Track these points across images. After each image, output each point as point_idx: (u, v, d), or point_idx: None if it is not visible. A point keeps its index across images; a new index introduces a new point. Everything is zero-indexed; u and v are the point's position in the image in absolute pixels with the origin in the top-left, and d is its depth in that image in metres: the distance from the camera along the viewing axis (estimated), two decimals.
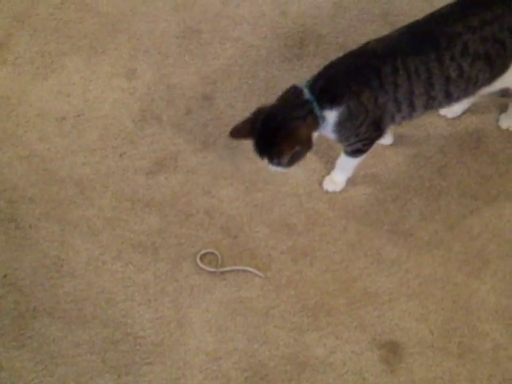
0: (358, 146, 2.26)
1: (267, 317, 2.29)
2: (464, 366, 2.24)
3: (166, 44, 2.71)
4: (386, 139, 2.51)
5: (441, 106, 2.26)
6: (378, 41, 2.18)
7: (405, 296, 2.33)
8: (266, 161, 2.18)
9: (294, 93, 2.16)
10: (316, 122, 2.15)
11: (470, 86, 2.22)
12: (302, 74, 2.61)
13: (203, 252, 2.36)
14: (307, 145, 2.17)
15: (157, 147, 2.53)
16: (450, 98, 2.22)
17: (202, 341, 2.26)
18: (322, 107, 2.13)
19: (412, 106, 2.19)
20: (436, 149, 2.55)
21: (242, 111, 2.58)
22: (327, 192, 2.46)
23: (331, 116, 2.14)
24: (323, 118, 2.14)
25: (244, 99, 2.61)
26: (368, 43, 2.19)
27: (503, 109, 2.57)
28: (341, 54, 2.21)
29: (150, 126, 2.57)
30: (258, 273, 2.34)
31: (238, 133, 2.20)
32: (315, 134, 2.17)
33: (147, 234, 2.40)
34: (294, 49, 2.70)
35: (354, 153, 2.31)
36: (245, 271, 2.34)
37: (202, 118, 2.59)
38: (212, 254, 2.37)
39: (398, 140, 2.53)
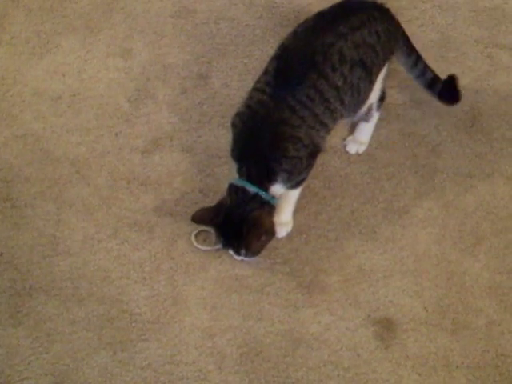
0: (304, 176, 2.27)
1: (262, 294, 2.31)
2: (458, 341, 2.25)
3: (162, 24, 2.71)
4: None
5: (344, 115, 2.27)
6: (260, 93, 2.19)
7: (399, 273, 2.34)
8: (231, 252, 2.23)
9: (237, 192, 2.19)
10: (272, 207, 2.21)
11: (355, 93, 2.23)
12: None
13: (198, 230, 2.37)
14: (271, 232, 2.22)
15: (152, 126, 2.54)
16: (345, 106, 2.23)
17: (197, 318, 2.27)
18: (267, 190, 2.20)
19: (324, 125, 2.20)
20: (431, 127, 2.55)
21: (237, 90, 2.59)
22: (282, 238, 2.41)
23: (278, 188, 2.21)
24: (274, 197, 2.21)
25: (239, 78, 2.61)
26: (249, 106, 2.19)
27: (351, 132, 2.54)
28: None
29: (146, 105, 2.58)
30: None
31: (199, 219, 2.25)
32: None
33: (143, 212, 2.41)
34: (289, 28, 2.65)
35: (299, 184, 2.29)
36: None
37: (197, 97, 2.59)
38: (207, 232, 2.37)
39: (394, 119, 2.53)
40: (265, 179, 2.18)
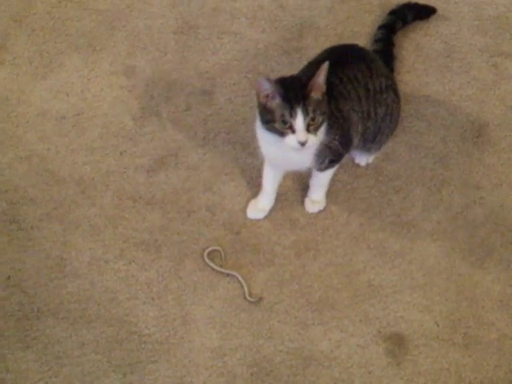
0: (331, 157, 2.24)
1: (271, 312, 2.29)
2: (470, 356, 2.23)
3: (164, 40, 2.70)
4: None
5: (369, 130, 2.29)
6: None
7: (409, 288, 2.32)
8: (299, 114, 2.05)
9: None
10: None
11: (387, 115, 2.29)
12: (301, 66, 2.57)
13: (210, 249, 2.35)
14: (325, 102, 2.11)
15: (157, 144, 2.53)
16: (376, 119, 2.27)
17: (207, 338, 2.26)
18: None
19: (359, 113, 2.23)
20: (437, 139, 2.53)
21: (242, 106, 2.58)
22: (313, 213, 2.43)
23: None
24: None
25: (243, 93, 2.60)
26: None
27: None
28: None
29: (150, 123, 2.56)
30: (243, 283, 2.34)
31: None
32: None
33: (149, 231, 2.40)
34: (293, 42, 2.69)
35: (330, 164, 2.27)
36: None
37: (201, 113, 2.58)
38: (215, 250, 2.36)
39: (400, 131, 2.51)
40: None
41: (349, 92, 2.20)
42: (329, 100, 2.13)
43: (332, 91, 2.16)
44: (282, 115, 2.05)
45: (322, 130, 2.12)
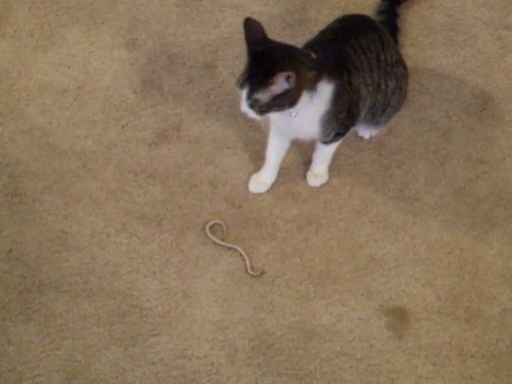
0: (337, 129, 2.21)
1: (273, 286, 2.29)
2: (472, 330, 2.23)
3: (166, 13, 2.68)
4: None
5: (378, 103, 2.26)
6: (323, 34, 2.26)
7: (411, 262, 2.32)
8: (244, 93, 2.00)
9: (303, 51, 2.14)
10: (315, 78, 2.04)
11: (397, 88, 2.27)
12: (304, 39, 2.55)
13: (212, 223, 2.35)
14: (297, 91, 1.99)
15: (159, 118, 2.51)
16: (386, 91, 2.25)
17: (209, 311, 2.26)
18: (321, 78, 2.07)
19: (370, 86, 2.20)
20: (441, 112, 2.52)
21: None
22: (315, 187, 2.42)
23: (326, 90, 2.08)
24: (318, 89, 2.07)
25: None
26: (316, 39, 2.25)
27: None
28: None
29: (152, 96, 2.55)
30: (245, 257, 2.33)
31: (252, 24, 2.05)
32: (305, 97, 2.03)
33: (151, 205, 2.39)
34: (296, 14, 2.66)
35: (335, 137, 2.24)
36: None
37: (203, 87, 2.56)
38: (217, 224, 2.36)
39: (403, 105, 2.49)
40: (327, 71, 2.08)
41: (362, 62, 2.17)
42: (342, 72, 2.11)
43: (346, 63, 2.14)
44: (237, 80, 2.03)
45: (326, 98, 2.08)
